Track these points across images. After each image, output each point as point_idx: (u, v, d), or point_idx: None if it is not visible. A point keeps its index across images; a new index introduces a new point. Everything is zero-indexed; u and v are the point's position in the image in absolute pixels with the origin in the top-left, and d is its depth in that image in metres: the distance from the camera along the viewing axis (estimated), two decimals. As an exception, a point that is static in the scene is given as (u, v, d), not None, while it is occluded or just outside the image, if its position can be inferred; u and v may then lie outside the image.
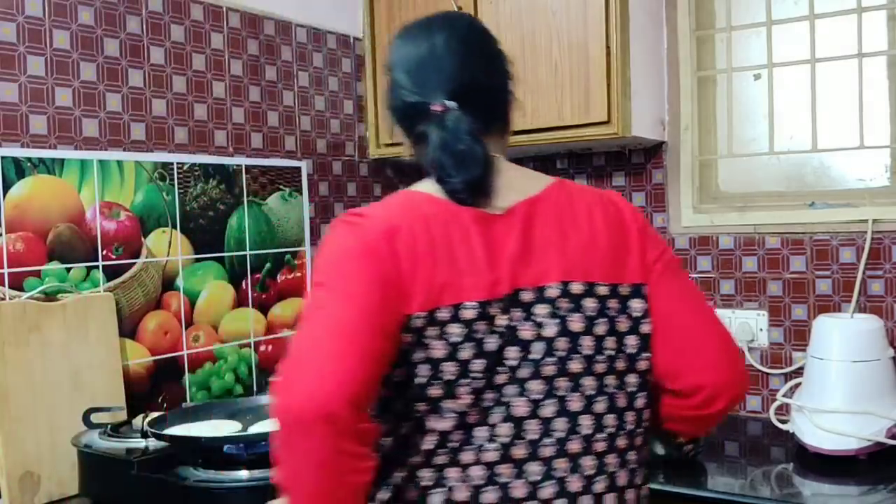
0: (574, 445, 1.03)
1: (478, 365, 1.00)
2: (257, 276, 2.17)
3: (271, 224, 2.21)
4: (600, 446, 1.05)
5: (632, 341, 1.08)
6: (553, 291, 1.04)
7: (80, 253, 1.78)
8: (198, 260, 2.02)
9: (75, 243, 1.77)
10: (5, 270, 1.66)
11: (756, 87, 2.17)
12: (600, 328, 1.06)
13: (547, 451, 1.02)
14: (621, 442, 1.07)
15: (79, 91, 1.80)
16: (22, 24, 1.70)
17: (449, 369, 0.99)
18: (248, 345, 2.14)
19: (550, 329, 1.03)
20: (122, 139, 1.88)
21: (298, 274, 2.28)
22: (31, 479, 1.60)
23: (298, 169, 2.29)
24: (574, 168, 2.37)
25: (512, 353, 1.02)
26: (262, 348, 2.18)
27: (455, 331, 1.00)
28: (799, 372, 1.98)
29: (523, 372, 1.02)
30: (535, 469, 1.02)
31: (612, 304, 1.07)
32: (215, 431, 1.56)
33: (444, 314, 1.00)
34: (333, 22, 2.42)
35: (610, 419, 1.06)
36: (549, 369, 1.03)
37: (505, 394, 1.02)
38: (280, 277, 2.23)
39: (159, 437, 1.51)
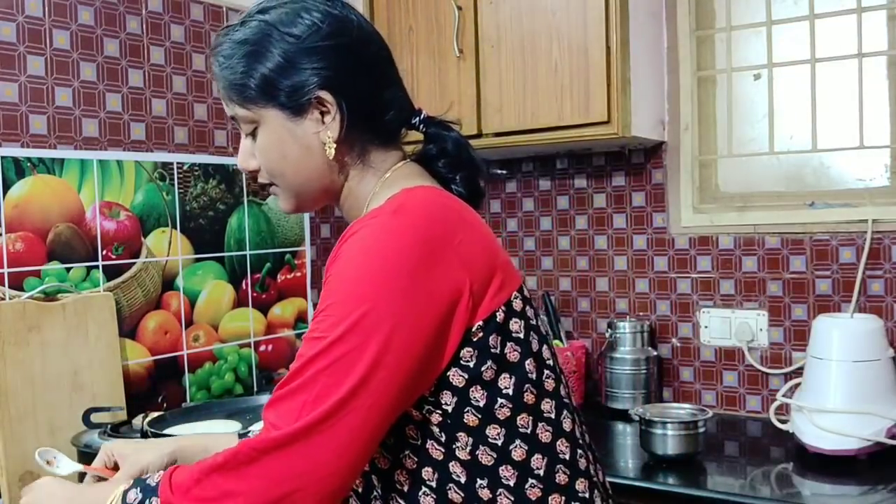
0: None
1: None
2: (257, 275, 2.17)
3: (271, 224, 2.21)
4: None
5: None
6: None
7: (79, 253, 1.78)
8: (198, 260, 2.02)
9: (75, 243, 1.77)
10: (5, 270, 1.66)
11: (756, 87, 2.17)
12: None
13: None
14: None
15: (79, 91, 1.80)
16: (22, 24, 1.70)
17: None
18: (248, 345, 2.14)
19: None
20: (122, 139, 1.88)
21: (298, 274, 2.28)
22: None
23: (298, 169, 2.29)
24: (574, 168, 2.37)
25: None
26: (262, 348, 2.18)
27: None
28: (799, 372, 1.98)
29: None
30: None
31: None
32: (215, 431, 1.56)
33: None
34: (333, 22, 2.41)
35: None
36: None
37: None
38: (280, 277, 2.23)
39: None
